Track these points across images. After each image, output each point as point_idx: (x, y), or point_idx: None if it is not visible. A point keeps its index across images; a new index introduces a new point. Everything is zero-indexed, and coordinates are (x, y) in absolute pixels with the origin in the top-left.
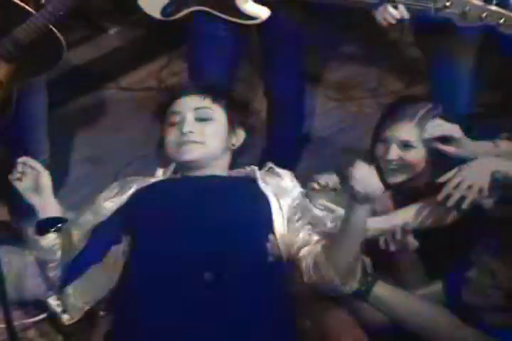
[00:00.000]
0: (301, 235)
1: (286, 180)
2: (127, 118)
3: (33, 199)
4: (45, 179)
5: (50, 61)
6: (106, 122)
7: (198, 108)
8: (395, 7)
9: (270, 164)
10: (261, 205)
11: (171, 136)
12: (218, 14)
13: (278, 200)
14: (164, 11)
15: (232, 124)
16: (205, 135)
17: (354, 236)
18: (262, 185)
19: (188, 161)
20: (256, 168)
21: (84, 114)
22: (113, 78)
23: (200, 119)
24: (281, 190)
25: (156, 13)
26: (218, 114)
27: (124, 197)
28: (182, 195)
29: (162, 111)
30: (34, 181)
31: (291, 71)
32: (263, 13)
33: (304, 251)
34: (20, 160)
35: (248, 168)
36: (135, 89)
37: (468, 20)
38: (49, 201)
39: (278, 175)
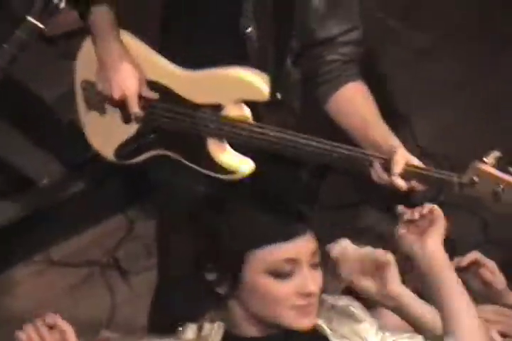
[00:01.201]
0: None
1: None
2: (62, 302)
3: None
4: None
5: None
6: (28, 311)
7: (314, 252)
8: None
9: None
10: None
11: (282, 293)
12: (187, 163)
13: None
14: (119, 152)
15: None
16: (319, 288)
17: None
18: None
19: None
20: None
21: None
22: (41, 248)
23: (315, 266)
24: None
25: (109, 154)
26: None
27: None
28: None
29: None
30: None
31: None
32: (245, 166)
33: None
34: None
35: None
36: (72, 263)
37: (503, 202)
38: None
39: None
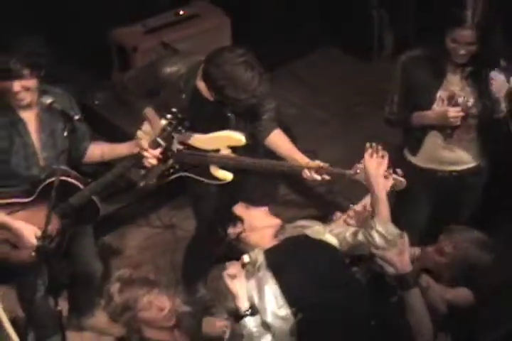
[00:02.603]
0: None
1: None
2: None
3: None
4: None
5: (91, 218)
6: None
7: None
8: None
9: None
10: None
11: None
12: (198, 178)
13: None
14: (159, 178)
15: None
16: None
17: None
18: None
19: None
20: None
21: None
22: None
23: None
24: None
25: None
26: None
27: None
28: None
29: None
30: None
31: None
32: (228, 176)
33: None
34: None
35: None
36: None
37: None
38: None
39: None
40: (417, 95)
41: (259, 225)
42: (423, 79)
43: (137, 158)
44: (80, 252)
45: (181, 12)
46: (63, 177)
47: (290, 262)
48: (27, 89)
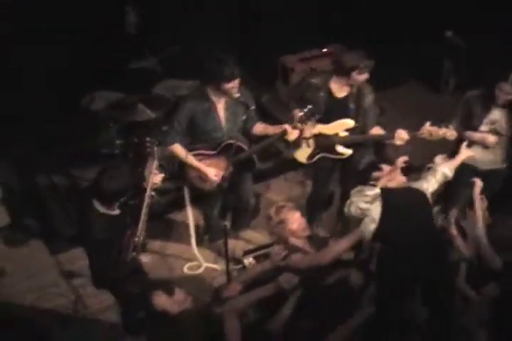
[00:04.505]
0: None
1: None
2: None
3: None
4: None
5: (250, 168)
6: None
7: None
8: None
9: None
10: None
11: None
12: (328, 155)
13: None
14: (307, 158)
15: None
16: None
17: None
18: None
19: None
20: None
21: None
22: None
23: None
24: None
25: (303, 159)
26: None
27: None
28: None
29: None
30: None
31: None
32: (348, 151)
33: None
34: None
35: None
36: None
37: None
38: None
39: None
40: (471, 119)
41: (395, 177)
42: (476, 110)
43: (280, 136)
44: (242, 189)
45: (324, 49)
46: (237, 142)
47: (393, 197)
48: (236, 85)
